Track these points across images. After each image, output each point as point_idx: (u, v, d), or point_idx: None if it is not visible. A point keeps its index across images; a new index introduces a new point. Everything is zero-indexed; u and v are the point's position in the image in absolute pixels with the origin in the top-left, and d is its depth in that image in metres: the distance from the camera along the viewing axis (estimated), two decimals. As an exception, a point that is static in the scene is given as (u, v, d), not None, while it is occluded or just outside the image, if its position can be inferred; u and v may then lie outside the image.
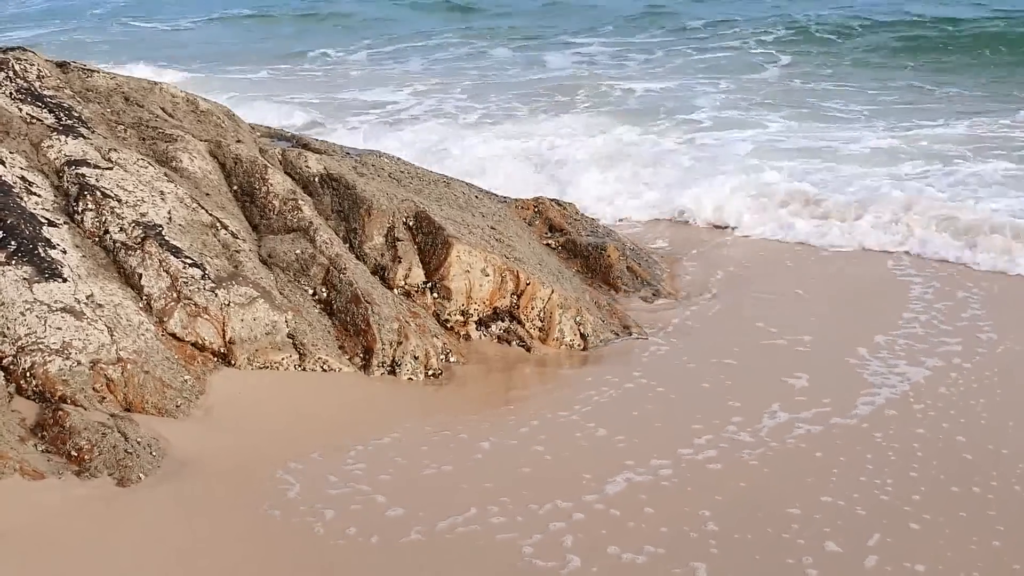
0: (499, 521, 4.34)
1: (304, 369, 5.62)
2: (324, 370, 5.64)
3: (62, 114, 6.46)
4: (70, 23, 24.11)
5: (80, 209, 5.83)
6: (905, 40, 16.62)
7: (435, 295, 6.25)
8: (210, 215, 6.13)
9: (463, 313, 6.26)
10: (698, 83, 14.64)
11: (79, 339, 5.08)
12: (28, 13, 26.15)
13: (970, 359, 5.98)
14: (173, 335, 5.50)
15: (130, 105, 6.90)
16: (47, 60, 7.05)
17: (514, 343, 6.23)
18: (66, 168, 6.03)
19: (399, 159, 7.63)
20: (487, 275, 6.27)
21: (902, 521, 4.36)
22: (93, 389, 4.97)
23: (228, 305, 5.61)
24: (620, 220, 8.92)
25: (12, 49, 6.99)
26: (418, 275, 6.28)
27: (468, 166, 9.74)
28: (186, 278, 5.63)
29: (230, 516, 4.37)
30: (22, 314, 5.08)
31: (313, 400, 5.40)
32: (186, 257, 5.73)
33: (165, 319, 5.51)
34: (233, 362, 5.54)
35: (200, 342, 5.54)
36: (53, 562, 3.99)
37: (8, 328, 5.03)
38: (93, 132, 6.42)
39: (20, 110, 6.37)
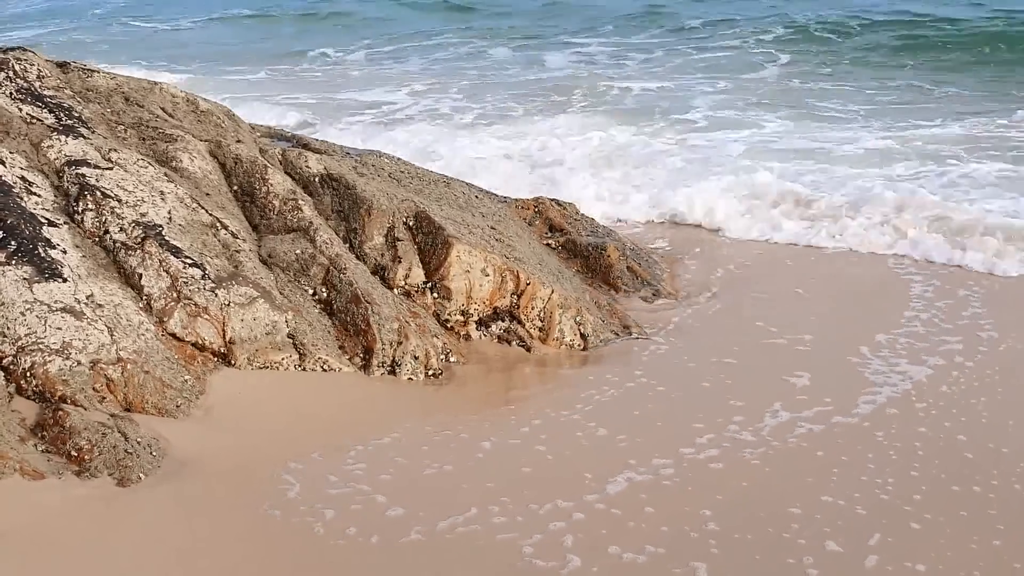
0: (499, 521, 4.34)
1: (304, 369, 5.62)
2: (324, 370, 5.64)
3: (62, 114, 6.46)
4: (70, 23, 24.10)
5: (80, 209, 5.83)
6: (905, 39, 16.62)
7: (435, 295, 6.25)
8: (210, 215, 6.13)
9: (463, 313, 6.26)
10: (696, 83, 14.63)
11: (79, 339, 5.07)
12: (28, 13, 26.15)
13: (972, 357, 5.98)
14: (173, 335, 5.50)
15: (130, 105, 6.90)
16: (47, 60, 7.05)
17: (514, 343, 6.23)
18: (66, 168, 6.03)
19: (399, 159, 7.63)
20: (487, 275, 6.27)
21: (903, 521, 4.36)
22: (93, 389, 4.96)
23: (228, 305, 5.61)
24: (619, 221, 8.90)
25: (12, 49, 6.99)
26: (418, 275, 6.28)
27: (460, 167, 9.67)
28: (186, 278, 5.62)
29: (230, 516, 4.37)
30: (22, 314, 5.08)
31: (313, 400, 5.40)
32: (186, 257, 5.72)
33: (165, 319, 5.51)
34: (233, 362, 5.54)
35: (200, 342, 5.53)
36: (53, 562, 3.99)
37: (8, 328, 5.03)
38: (93, 132, 6.42)
39: (20, 110, 6.36)
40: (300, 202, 6.40)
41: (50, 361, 4.95)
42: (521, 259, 6.47)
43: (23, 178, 5.89)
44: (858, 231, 8.16)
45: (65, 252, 5.51)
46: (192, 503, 4.43)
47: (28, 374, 4.92)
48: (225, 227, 6.11)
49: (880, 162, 10.09)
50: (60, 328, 5.07)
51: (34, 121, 6.32)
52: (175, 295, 5.57)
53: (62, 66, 7.09)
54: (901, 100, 13.21)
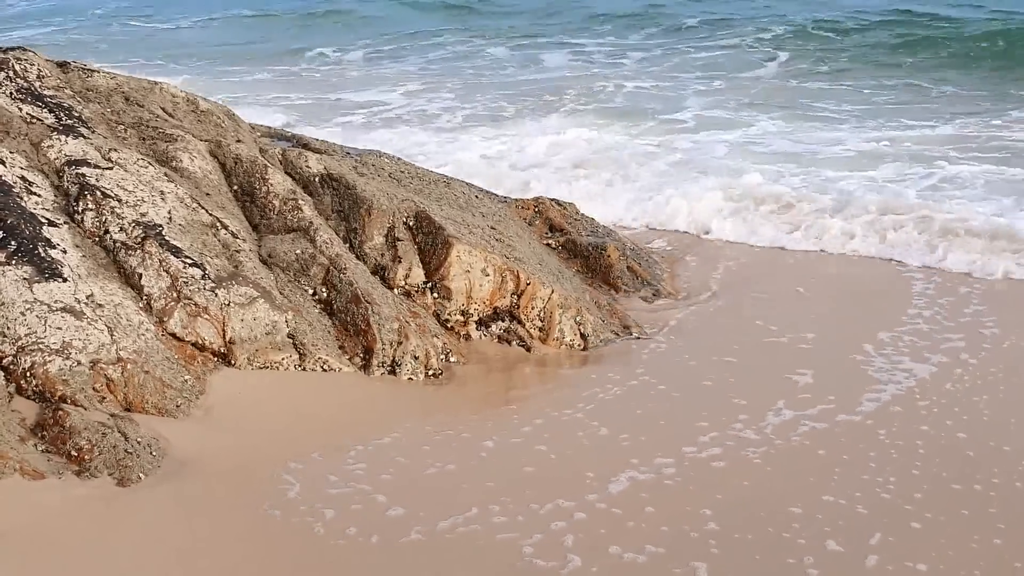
0: (500, 521, 4.34)
1: (304, 369, 5.62)
2: (324, 370, 5.63)
3: (62, 114, 6.45)
4: (71, 23, 24.09)
5: (80, 209, 5.82)
6: (904, 38, 16.60)
7: (435, 295, 6.25)
8: (210, 215, 6.12)
9: (463, 313, 6.26)
10: (693, 82, 14.61)
11: (79, 339, 5.07)
12: (29, 12, 26.11)
13: (976, 355, 5.98)
14: (173, 335, 5.49)
15: (130, 105, 6.90)
16: (47, 60, 7.04)
17: (514, 343, 6.23)
18: (66, 168, 6.02)
19: (399, 159, 7.63)
20: (487, 275, 6.27)
21: (904, 520, 4.35)
22: (93, 389, 4.96)
23: (228, 305, 5.60)
24: (616, 223, 8.85)
25: (12, 49, 6.98)
26: (418, 275, 6.27)
27: (445, 170, 9.60)
28: (186, 278, 5.62)
29: (230, 516, 4.36)
30: (22, 314, 5.07)
31: (313, 400, 5.40)
32: (186, 257, 5.72)
33: (165, 319, 5.50)
34: (233, 362, 5.54)
35: (200, 342, 5.53)
36: (53, 562, 3.99)
37: (8, 328, 5.02)
38: (93, 132, 6.41)
39: (20, 110, 6.36)
40: (300, 202, 6.40)
41: (50, 361, 4.94)
42: (521, 259, 6.47)
43: (23, 178, 5.88)
44: (837, 235, 8.10)
45: (65, 252, 5.51)
46: (192, 503, 4.42)
47: (28, 374, 4.91)
48: (225, 227, 6.10)
49: (870, 163, 10.05)
50: (60, 328, 5.07)
51: (34, 121, 6.32)
52: (175, 295, 5.56)
53: (62, 66, 7.08)
54: (898, 100, 13.18)
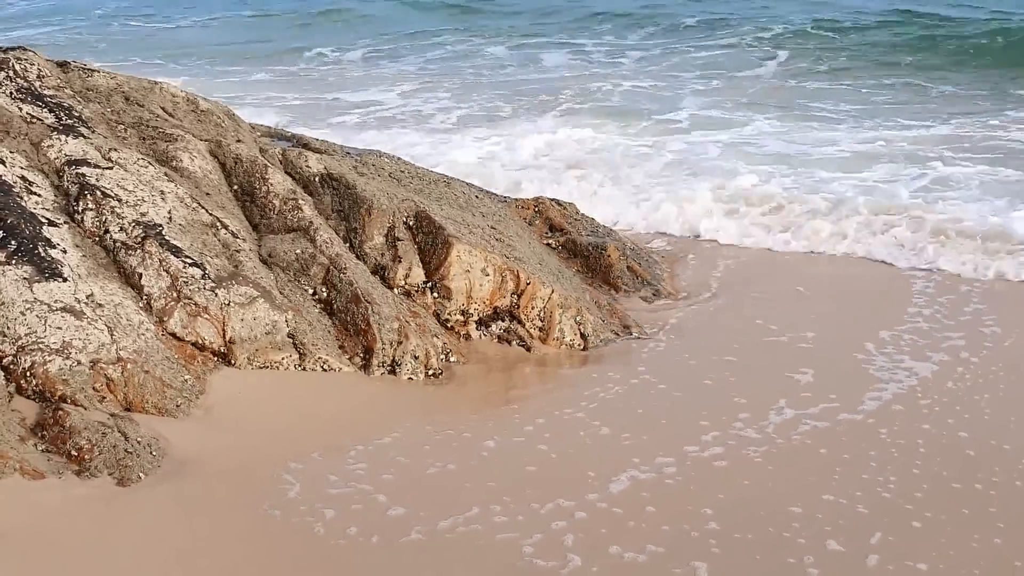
0: (501, 520, 4.33)
1: (304, 369, 5.61)
2: (324, 370, 5.63)
3: (62, 114, 6.45)
4: (71, 23, 24.08)
5: (80, 209, 5.82)
6: (903, 38, 16.61)
7: (435, 295, 6.24)
8: (210, 215, 6.12)
9: (463, 313, 6.25)
10: (691, 82, 14.59)
11: (79, 339, 5.07)
12: (29, 12, 26.11)
13: (977, 353, 5.98)
14: (173, 335, 5.49)
15: (130, 105, 6.89)
16: (47, 60, 7.03)
17: (514, 343, 6.22)
18: (66, 168, 6.02)
19: (399, 159, 7.62)
20: (487, 275, 6.26)
21: (904, 519, 4.35)
22: (93, 389, 4.96)
23: (228, 305, 5.60)
24: (615, 224, 8.83)
25: (12, 49, 6.97)
26: (418, 275, 6.27)
27: (440, 171, 9.57)
28: (186, 278, 5.61)
29: (230, 516, 4.36)
30: (22, 314, 5.07)
31: (313, 400, 5.39)
32: (186, 257, 5.72)
33: (165, 319, 5.50)
34: (233, 362, 5.53)
35: (200, 342, 5.53)
36: (53, 562, 3.98)
37: (8, 328, 5.02)
38: (93, 132, 6.41)
39: (20, 110, 6.35)
40: (300, 202, 6.39)
41: (50, 361, 4.94)
42: (521, 259, 6.47)
43: (23, 178, 5.88)
44: (829, 236, 8.07)
45: (65, 252, 5.50)
46: (192, 503, 4.42)
47: (28, 374, 4.91)
48: (225, 227, 6.10)
49: (864, 164, 10.01)
50: (60, 328, 5.06)
51: (34, 121, 6.31)
52: (175, 295, 5.56)
53: (62, 66, 7.08)
54: (896, 100, 13.14)
